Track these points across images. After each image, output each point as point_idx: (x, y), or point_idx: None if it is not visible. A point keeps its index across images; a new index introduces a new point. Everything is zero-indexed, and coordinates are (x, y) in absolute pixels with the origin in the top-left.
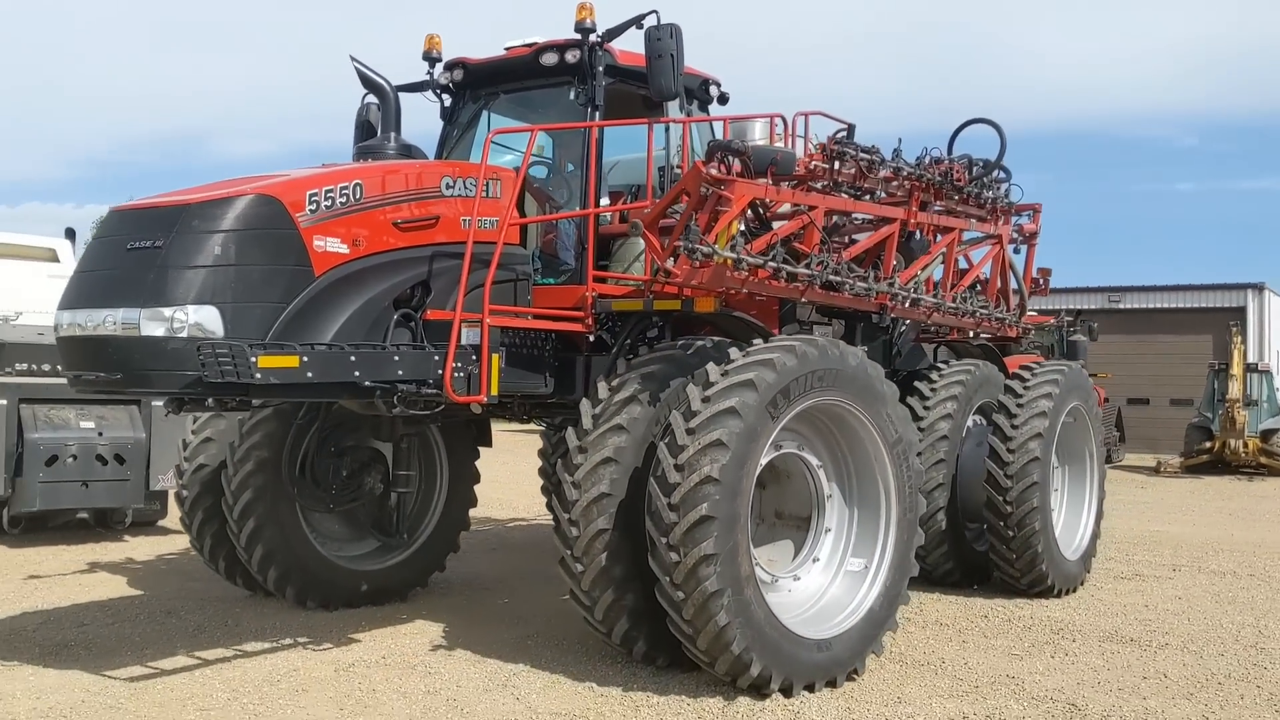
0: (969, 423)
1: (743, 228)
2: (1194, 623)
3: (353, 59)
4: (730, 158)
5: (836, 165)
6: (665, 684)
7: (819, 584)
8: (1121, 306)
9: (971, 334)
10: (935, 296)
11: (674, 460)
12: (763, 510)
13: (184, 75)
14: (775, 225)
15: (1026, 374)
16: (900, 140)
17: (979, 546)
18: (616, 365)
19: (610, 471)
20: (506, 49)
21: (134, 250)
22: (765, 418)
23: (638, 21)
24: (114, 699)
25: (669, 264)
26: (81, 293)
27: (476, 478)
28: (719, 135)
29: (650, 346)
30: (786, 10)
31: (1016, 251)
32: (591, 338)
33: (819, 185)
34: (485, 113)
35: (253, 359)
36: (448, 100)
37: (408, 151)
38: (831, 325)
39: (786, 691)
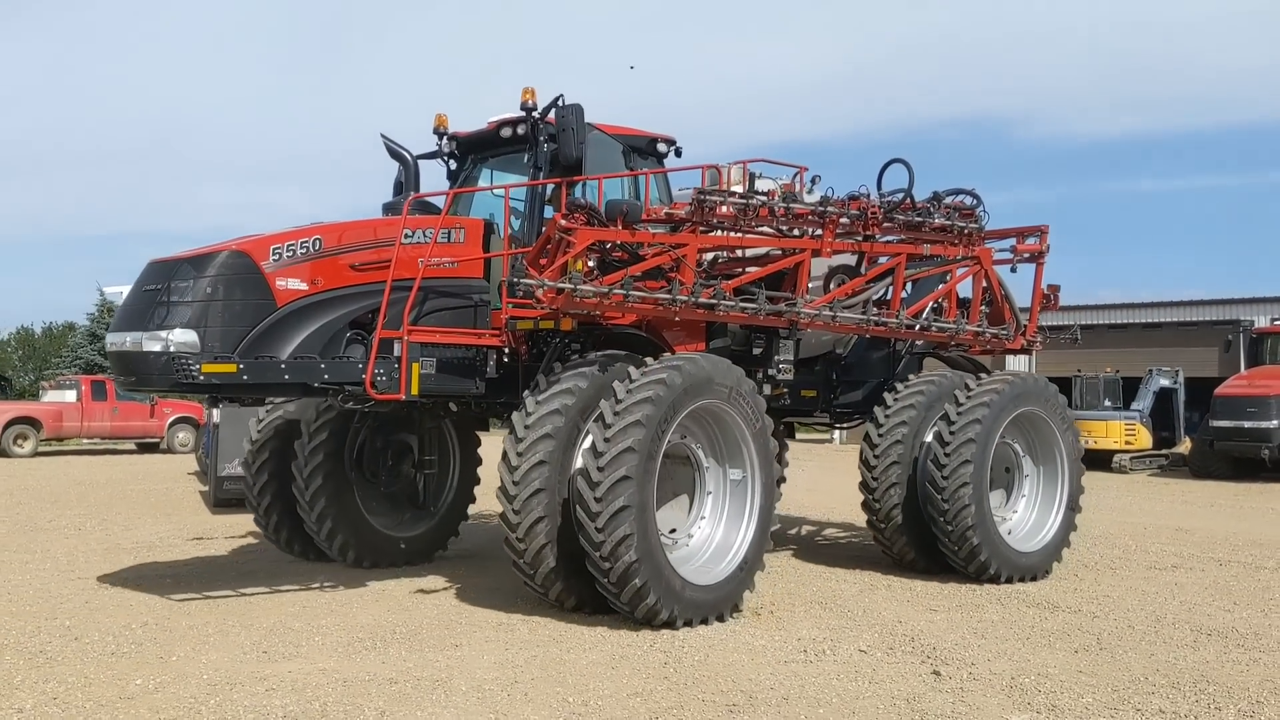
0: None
1: (591, 263)
2: (1147, 602)
3: (382, 135)
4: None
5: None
6: (580, 620)
7: (707, 535)
8: None
9: (953, 346)
10: (867, 314)
11: (596, 464)
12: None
13: None
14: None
15: (972, 385)
16: (780, 181)
17: None
18: (540, 381)
19: (541, 472)
20: (488, 123)
21: (146, 291)
22: (663, 423)
23: (554, 103)
24: (249, 600)
25: (538, 293)
26: (116, 320)
27: (480, 460)
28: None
29: (563, 363)
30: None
31: (1013, 270)
32: (506, 350)
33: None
34: (489, 172)
35: (195, 366)
36: (453, 165)
37: (423, 207)
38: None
39: (688, 624)
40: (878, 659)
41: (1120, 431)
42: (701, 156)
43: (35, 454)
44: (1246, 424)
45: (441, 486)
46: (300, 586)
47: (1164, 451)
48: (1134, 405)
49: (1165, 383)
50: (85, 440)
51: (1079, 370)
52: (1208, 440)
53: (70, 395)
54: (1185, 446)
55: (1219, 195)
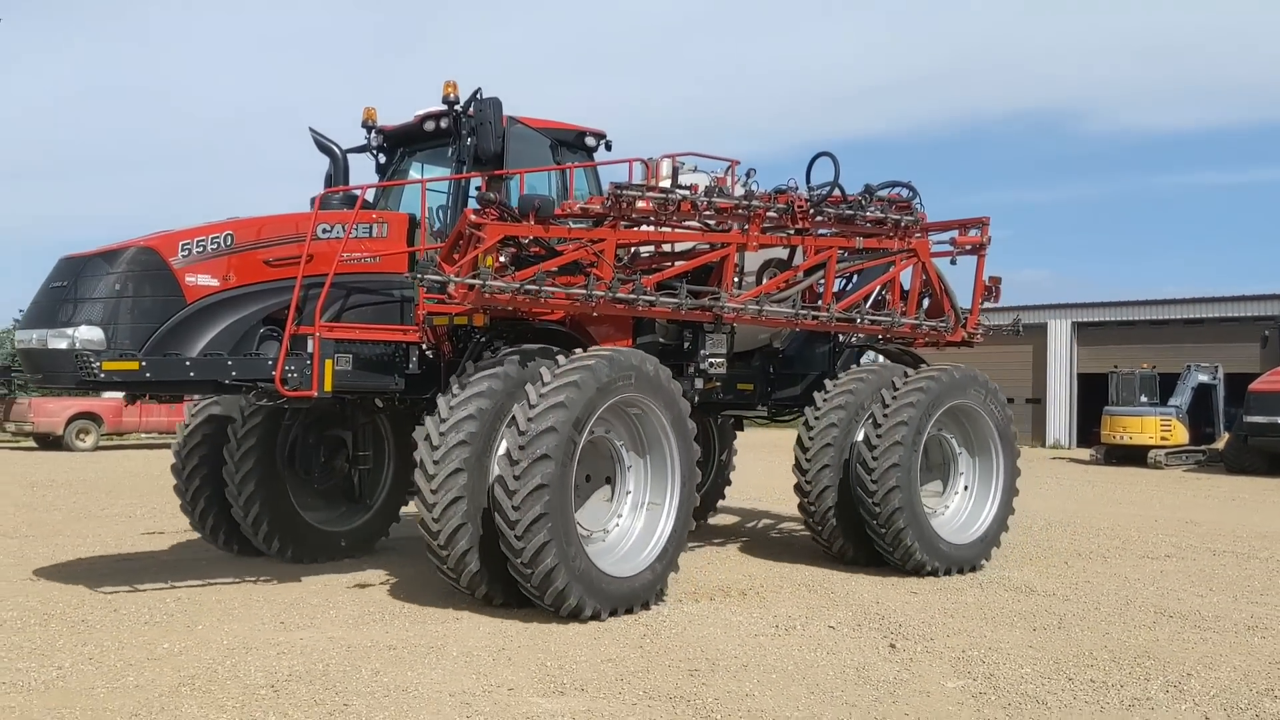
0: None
1: (503, 259)
2: (1123, 588)
3: (311, 129)
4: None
5: (624, 204)
6: (471, 619)
7: (627, 526)
8: None
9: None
10: (795, 308)
11: (518, 442)
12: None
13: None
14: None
15: (904, 378)
16: (714, 175)
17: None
18: (465, 368)
19: (461, 452)
20: (414, 116)
21: (54, 288)
22: (585, 409)
23: (473, 97)
24: (275, 577)
25: (450, 289)
26: (25, 318)
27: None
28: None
29: (494, 353)
30: None
31: (953, 263)
32: (425, 345)
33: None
34: (418, 165)
35: (97, 364)
36: (382, 158)
37: (349, 201)
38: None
39: (596, 616)
40: (843, 634)
41: (1155, 427)
42: (756, 155)
43: (96, 448)
44: None
45: (377, 479)
46: (322, 567)
47: (1201, 447)
48: (1171, 401)
49: (1204, 379)
50: (144, 434)
51: (1115, 366)
52: (1242, 436)
53: None
54: (1223, 442)
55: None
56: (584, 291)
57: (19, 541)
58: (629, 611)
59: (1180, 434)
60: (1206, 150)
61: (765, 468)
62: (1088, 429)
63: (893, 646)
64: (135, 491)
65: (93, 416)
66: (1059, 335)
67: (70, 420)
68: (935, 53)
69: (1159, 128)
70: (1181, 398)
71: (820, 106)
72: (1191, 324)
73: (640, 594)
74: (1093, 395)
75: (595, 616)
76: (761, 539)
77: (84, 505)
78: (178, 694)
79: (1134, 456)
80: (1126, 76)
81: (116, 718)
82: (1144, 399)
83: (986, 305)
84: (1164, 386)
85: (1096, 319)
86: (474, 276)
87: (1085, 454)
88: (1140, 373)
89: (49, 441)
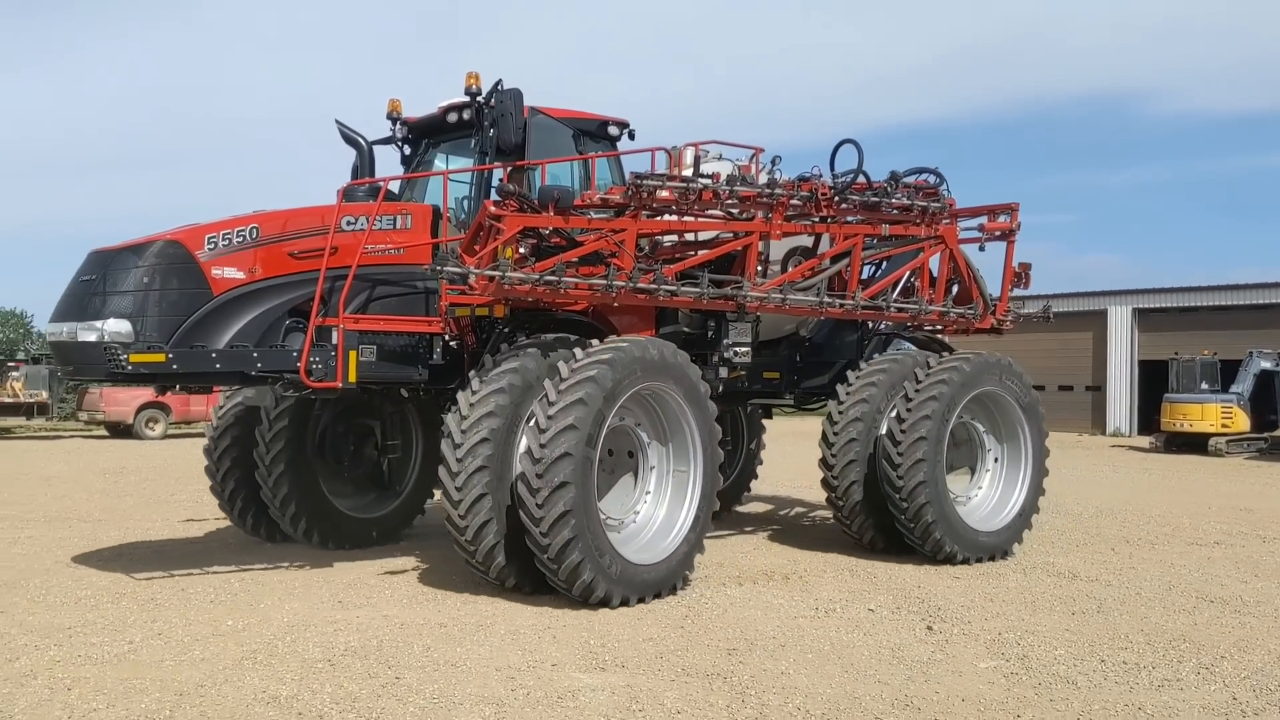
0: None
1: (523, 250)
2: (1167, 574)
3: (337, 121)
4: (513, 198)
5: (645, 195)
6: (521, 600)
7: (650, 512)
8: None
9: (917, 325)
10: (820, 296)
11: (539, 441)
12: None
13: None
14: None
15: (930, 365)
16: (738, 163)
17: None
18: (485, 360)
19: (485, 449)
20: (438, 107)
21: (83, 282)
22: (605, 403)
23: (494, 88)
24: (335, 560)
25: (470, 280)
26: (56, 311)
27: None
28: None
29: (510, 344)
30: None
31: (981, 249)
32: (447, 336)
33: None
34: (443, 156)
35: (124, 356)
36: (407, 150)
37: (374, 193)
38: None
39: (625, 603)
40: (881, 616)
41: (1216, 415)
42: (804, 140)
43: (165, 436)
44: None
45: (405, 467)
46: (380, 550)
47: (1262, 435)
48: (1232, 388)
49: (1266, 365)
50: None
51: (1175, 353)
52: None
53: None
54: None
55: None
56: (604, 282)
57: (92, 525)
58: (672, 592)
59: (1241, 421)
60: (1277, 131)
61: (796, 456)
62: (1149, 416)
63: (929, 629)
64: (203, 479)
65: (162, 406)
66: (1119, 322)
67: (140, 409)
68: (998, 33)
69: (1229, 109)
70: (1243, 384)
71: (878, 89)
72: (1254, 310)
73: (677, 571)
74: (1154, 382)
75: (606, 601)
76: (797, 526)
77: (153, 491)
78: (241, 667)
79: (1194, 444)
80: (1195, 57)
81: (184, 688)
82: (1205, 386)
83: (1016, 292)
84: (1225, 373)
85: (1157, 305)
86: (494, 268)
87: (1145, 442)
88: (1201, 359)
89: (119, 430)
